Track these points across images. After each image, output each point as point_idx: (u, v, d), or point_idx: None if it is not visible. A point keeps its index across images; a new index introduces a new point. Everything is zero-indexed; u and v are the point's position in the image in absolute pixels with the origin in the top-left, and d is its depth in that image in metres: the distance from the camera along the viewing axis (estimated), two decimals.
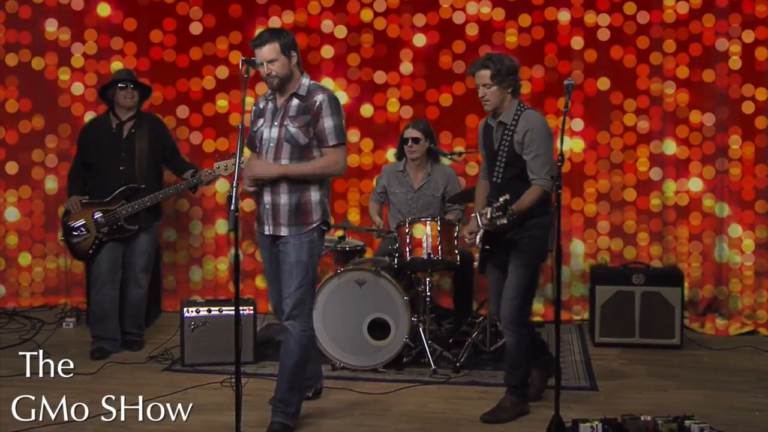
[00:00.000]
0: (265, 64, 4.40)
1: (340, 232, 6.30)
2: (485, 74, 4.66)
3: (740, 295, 6.85)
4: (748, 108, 6.84)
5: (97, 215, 5.95)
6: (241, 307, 5.55)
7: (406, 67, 7.15)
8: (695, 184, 6.92)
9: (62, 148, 7.40)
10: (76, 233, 6.00)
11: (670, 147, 6.94)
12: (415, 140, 6.10)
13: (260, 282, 7.20)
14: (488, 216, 4.44)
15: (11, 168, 7.46)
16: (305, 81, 4.51)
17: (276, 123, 4.49)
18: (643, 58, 6.92)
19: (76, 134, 7.23)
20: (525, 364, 4.88)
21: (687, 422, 4.35)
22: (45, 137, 7.41)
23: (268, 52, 4.39)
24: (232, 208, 4.04)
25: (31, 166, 7.44)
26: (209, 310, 5.67)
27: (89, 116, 7.27)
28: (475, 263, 5.09)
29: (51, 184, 7.43)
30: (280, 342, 6.22)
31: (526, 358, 4.87)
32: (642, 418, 4.38)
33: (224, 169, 5.82)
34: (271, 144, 4.48)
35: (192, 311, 5.66)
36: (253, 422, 4.58)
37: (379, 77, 7.17)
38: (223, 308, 5.66)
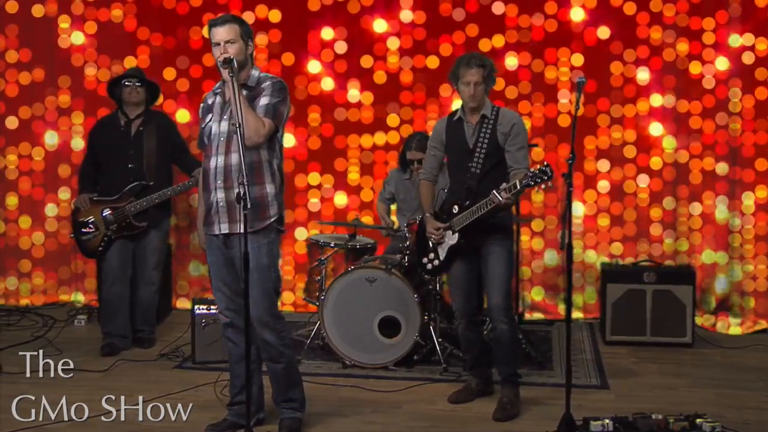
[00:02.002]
0: (222, 44, 4.27)
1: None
2: (480, 72, 4.74)
3: (740, 261, 6.79)
4: (748, 58, 6.73)
5: (106, 212, 5.96)
6: None
7: (406, 15, 7.05)
8: (695, 141, 6.82)
9: (62, 101, 7.30)
10: (85, 230, 6.01)
11: (669, 100, 6.83)
12: (421, 161, 6.01)
13: None
14: (520, 184, 4.46)
15: (11, 123, 7.37)
16: (255, 72, 4.37)
17: (225, 117, 4.31)
18: (643, 6, 6.80)
19: (77, 87, 7.22)
20: (519, 348, 5.12)
21: (698, 421, 4.35)
22: (45, 90, 7.31)
23: (226, 32, 4.25)
24: (249, 206, 4.00)
25: (31, 121, 7.36)
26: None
27: (89, 68, 7.25)
28: (429, 265, 5.03)
29: (51, 139, 7.35)
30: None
31: (518, 341, 5.15)
32: (653, 417, 4.38)
33: None
34: (221, 138, 4.29)
35: (203, 309, 5.66)
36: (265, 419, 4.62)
37: (379, 26, 7.08)
38: None
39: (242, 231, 4.03)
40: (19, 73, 7.34)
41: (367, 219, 7.02)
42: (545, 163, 4.45)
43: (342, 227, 6.76)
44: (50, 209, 7.40)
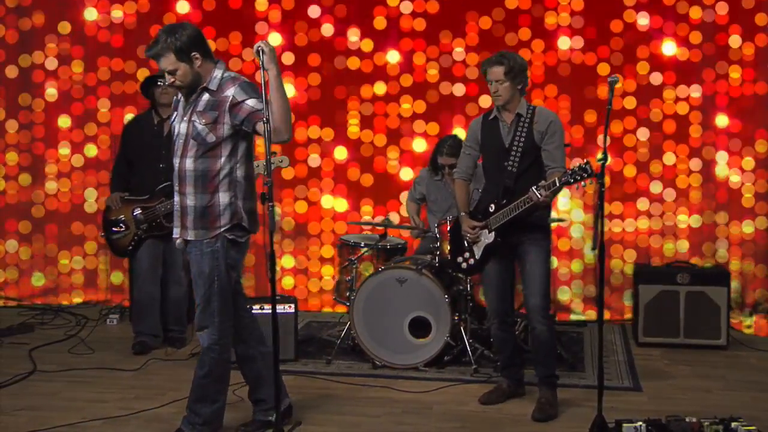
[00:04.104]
0: (166, 75, 4.12)
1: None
2: (499, 70, 4.72)
3: (740, 223, 6.68)
4: (747, 2, 6.60)
5: (137, 212, 5.99)
6: (281, 305, 5.61)
7: None
8: (695, 91, 6.70)
9: (62, 48, 7.26)
10: (115, 229, 6.05)
11: (669, 48, 6.73)
12: (452, 166, 5.99)
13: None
14: (559, 181, 4.45)
15: (11, 72, 7.31)
16: (217, 73, 4.12)
17: (185, 118, 4.15)
18: None
19: (77, 34, 7.18)
20: (556, 348, 5.07)
21: (734, 424, 4.27)
22: (45, 37, 7.25)
23: (164, 64, 4.05)
24: (271, 206, 3.98)
25: (31, 70, 7.32)
26: (251, 308, 5.67)
27: (89, 13, 7.21)
28: (464, 264, 5.02)
29: (51, 89, 7.31)
30: (320, 339, 6.29)
31: (555, 342, 5.08)
32: (687, 420, 4.32)
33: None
34: (180, 141, 4.15)
35: None
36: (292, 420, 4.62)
37: None
38: (265, 306, 5.63)
39: (267, 234, 3.98)
40: (19, 18, 7.28)
41: (366, 178, 7.02)
42: (586, 160, 4.41)
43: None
44: (50, 167, 7.36)
